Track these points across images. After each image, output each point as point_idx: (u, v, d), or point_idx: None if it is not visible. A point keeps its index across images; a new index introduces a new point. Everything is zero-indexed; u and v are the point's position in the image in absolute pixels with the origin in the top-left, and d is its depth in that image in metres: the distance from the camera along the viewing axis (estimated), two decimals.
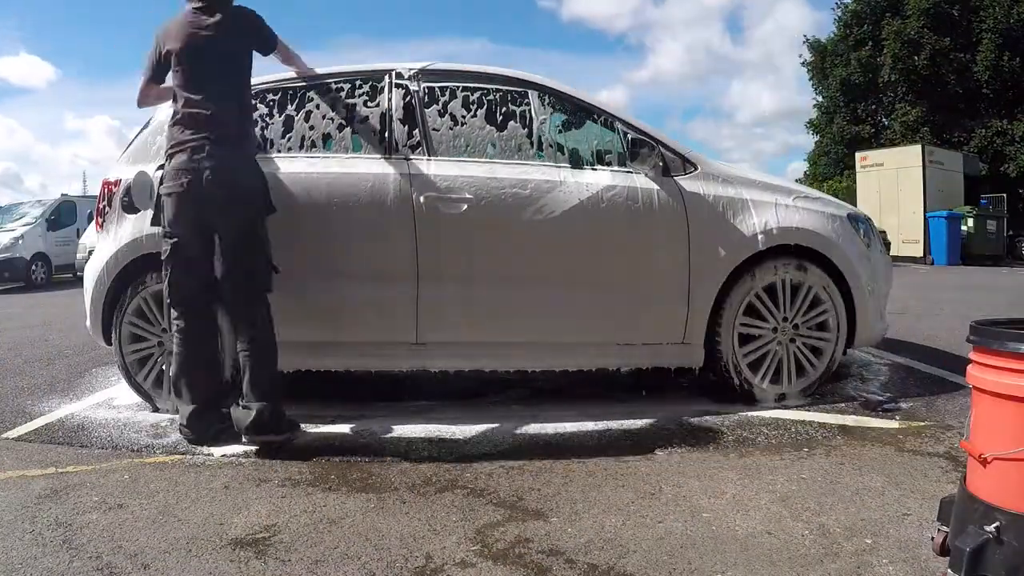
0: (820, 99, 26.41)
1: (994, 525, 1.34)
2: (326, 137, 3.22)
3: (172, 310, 2.82)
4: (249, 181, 2.79)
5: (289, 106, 3.23)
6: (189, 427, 2.78)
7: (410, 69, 3.24)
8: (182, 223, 2.74)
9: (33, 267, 13.23)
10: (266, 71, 3.26)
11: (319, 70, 3.30)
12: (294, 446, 2.72)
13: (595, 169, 3.15)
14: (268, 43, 2.98)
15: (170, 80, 2.86)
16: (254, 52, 2.93)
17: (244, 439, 2.72)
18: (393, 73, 3.22)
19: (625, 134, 3.17)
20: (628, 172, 3.13)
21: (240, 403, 2.73)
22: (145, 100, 3.05)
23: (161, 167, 2.86)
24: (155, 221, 2.90)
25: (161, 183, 2.80)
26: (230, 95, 2.80)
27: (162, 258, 2.79)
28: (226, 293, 2.79)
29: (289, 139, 3.19)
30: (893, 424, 2.89)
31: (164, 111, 3.35)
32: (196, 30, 2.77)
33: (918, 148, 17.24)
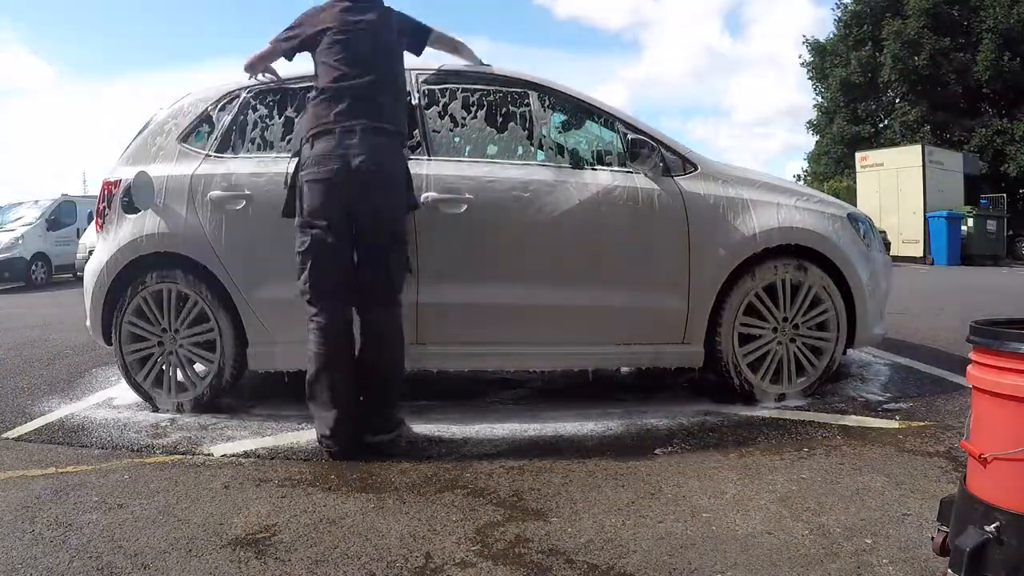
0: (820, 99, 26.45)
1: (994, 525, 1.34)
2: None
3: (311, 306, 2.61)
4: (399, 173, 2.67)
5: (288, 105, 3.23)
6: (334, 437, 2.56)
7: (409, 69, 3.23)
8: (326, 213, 2.55)
9: (33, 267, 13.24)
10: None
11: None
12: (295, 446, 2.73)
13: (595, 169, 3.15)
14: (418, 45, 2.97)
15: (310, 61, 2.80)
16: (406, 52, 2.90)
17: (366, 439, 2.62)
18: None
19: (625, 134, 3.17)
20: (628, 172, 3.13)
21: (370, 411, 2.64)
22: (257, 66, 3.03)
23: (297, 153, 2.70)
24: (288, 211, 2.70)
25: (298, 169, 2.64)
26: (384, 83, 2.69)
27: (298, 251, 2.61)
28: (363, 297, 2.63)
29: (289, 140, 3.19)
30: (893, 424, 2.89)
31: (164, 112, 3.36)
32: (353, 19, 2.71)
33: (918, 148, 17.26)
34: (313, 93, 2.74)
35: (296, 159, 2.71)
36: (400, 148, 2.72)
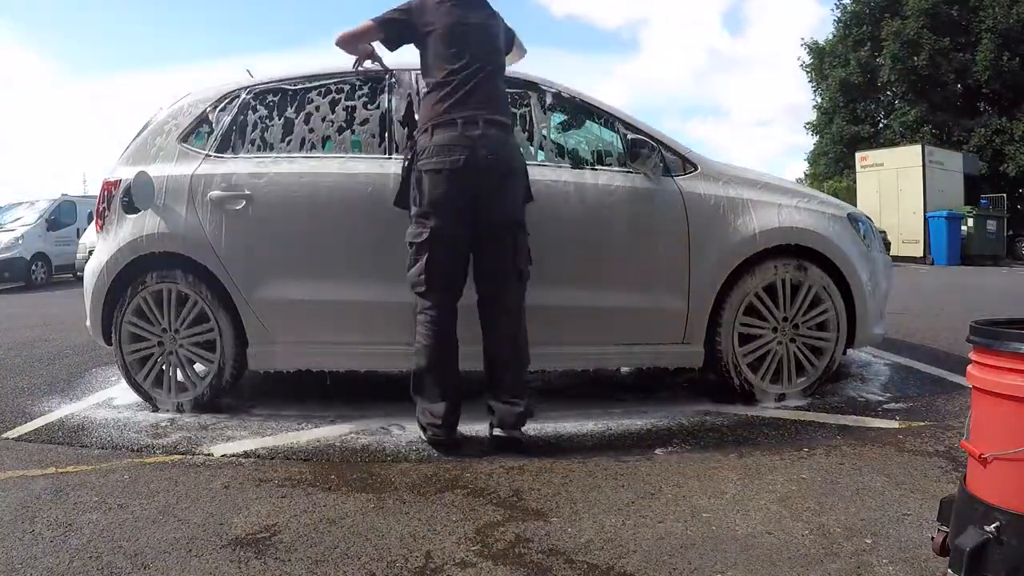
0: (819, 100, 26.44)
1: (994, 525, 1.34)
2: (326, 138, 3.22)
3: (424, 299, 2.60)
4: (518, 164, 2.68)
5: (289, 107, 3.23)
6: (444, 427, 2.59)
7: (410, 69, 3.24)
8: (448, 203, 2.53)
9: (33, 267, 13.24)
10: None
11: (316, 70, 3.30)
12: (295, 446, 2.73)
13: (595, 169, 3.15)
14: (508, 43, 2.95)
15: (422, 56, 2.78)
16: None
17: (502, 432, 2.61)
18: (393, 72, 3.22)
19: (625, 134, 3.17)
20: (628, 172, 3.13)
21: (500, 399, 2.62)
22: (351, 44, 2.91)
23: (411, 140, 2.70)
24: (401, 201, 2.72)
25: (417, 158, 2.60)
26: (497, 76, 2.74)
27: (413, 241, 2.58)
28: (490, 285, 2.64)
29: (289, 140, 3.19)
30: (893, 424, 2.89)
31: (164, 112, 3.36)
32: (461, 13, 2.71)
33: (918, 148, 17.26)
34: (426, 85, 2.72)
35: (411, 150, 2.68)
36: (515, 140, 2.73)
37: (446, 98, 2.60)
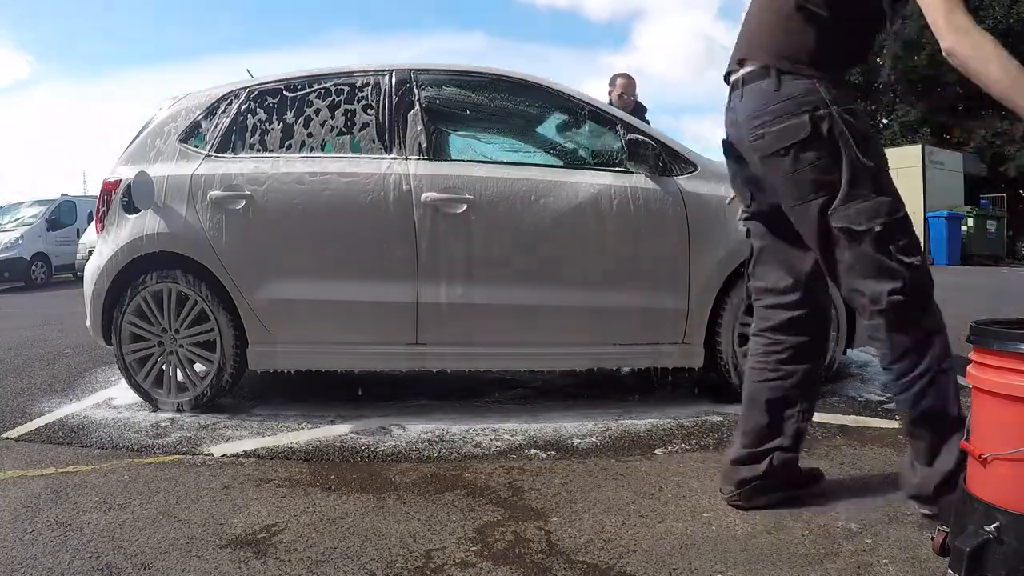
0: None
1: (994, 525, 1.34)
2: (325, 138, 3.22)
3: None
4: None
5: (288, 106, 3.23)
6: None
7: (410, 69, 3.24)
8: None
9: (33, 267, 13.26)
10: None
11: (316, 70, 3.30)
12: (295, 446, 2.73)
13: (595, 170, 3.15)
14: None
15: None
16: None
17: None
18: (392, 73, 3.22)
19: (624, 134, 3.17)
20: (627, 172, 3.13)
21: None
22: None
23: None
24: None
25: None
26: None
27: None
28: None
29: (289, 141, 3.19)
30: (893, 424, 2.88)
31: (165, 112, 3.36)
32: None
33: (918, 148, 17.25)
34: None
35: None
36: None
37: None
